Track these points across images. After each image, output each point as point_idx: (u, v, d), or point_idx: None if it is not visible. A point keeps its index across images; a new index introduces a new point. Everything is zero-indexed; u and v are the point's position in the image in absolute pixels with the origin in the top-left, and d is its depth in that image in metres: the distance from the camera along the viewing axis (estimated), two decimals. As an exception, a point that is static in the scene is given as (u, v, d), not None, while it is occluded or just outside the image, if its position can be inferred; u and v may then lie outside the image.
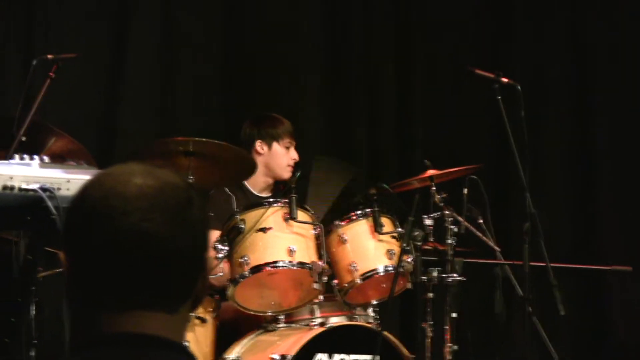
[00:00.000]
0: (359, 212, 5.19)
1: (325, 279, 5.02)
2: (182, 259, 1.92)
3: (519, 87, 5.33)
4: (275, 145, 5.38)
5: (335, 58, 6.70)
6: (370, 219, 5.15)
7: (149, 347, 1.89)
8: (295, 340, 4.72)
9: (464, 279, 5.30)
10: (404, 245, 5.11)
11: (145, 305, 1.91)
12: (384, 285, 5.17)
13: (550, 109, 6.87)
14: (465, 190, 5.33)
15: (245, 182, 5.36)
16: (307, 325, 4.89)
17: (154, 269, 1.90)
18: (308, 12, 6.62)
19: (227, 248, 4.77)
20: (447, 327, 5.20)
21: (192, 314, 4.67)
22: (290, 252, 4.79)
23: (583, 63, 6.95)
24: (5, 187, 3.61)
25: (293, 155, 5.38)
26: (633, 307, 6.80)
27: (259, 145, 5.35)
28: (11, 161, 3.74)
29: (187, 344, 4.62)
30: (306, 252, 4.85)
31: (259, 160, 5.33)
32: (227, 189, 5.29)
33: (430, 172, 5.21)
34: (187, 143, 4.75)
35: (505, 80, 5.35)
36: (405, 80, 6.77)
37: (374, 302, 5.22)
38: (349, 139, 6.70)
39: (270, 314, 4.89)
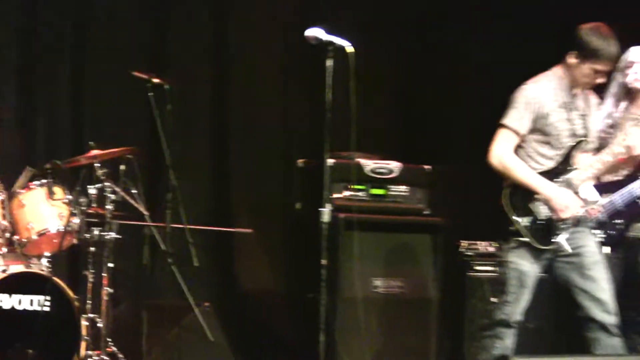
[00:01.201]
0: (36, 182, 5.92)
1: (7, 235, 5.81)
2: None
3: (167, 87, 6.07)
4: None
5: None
6: (45, 187, 5.89)
7: None
8: (-20, 283, 5.47)
9: (119, 237, 5.95)
10: (72, 209, 5.87)
11: None
12: (55, 241, 5.90)
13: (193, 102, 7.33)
14: (122, 167, 5.97)
15: None
16: (-9, 271, 5.60)
17: None
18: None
19: None
20: (105, 275, 5.87)
21: None
22: (-21, 213, 5.53)
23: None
24: None
25: None
26: (254, 264, 7.40)
27: None
28: None
29: None
30: (-8, 213, 5.59)
31: None
32: None
33: (94, 152, 5.88)
34: None
35: (156, 80, 6.06)
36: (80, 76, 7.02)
37: (47, 254, 5.92)
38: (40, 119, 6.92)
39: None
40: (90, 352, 5.86)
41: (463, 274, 6.95)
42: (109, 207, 5.91)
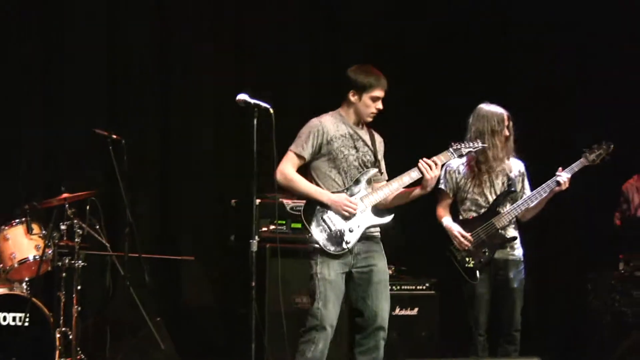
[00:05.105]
0: (17, 220, 6.08)
1: (-7, 264, 5.94)
2: None
3: (123, 142, 6.11)
4: None
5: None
6: (25, 224, 6.07)
7: None
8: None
9: (86, 264, 6.11)
10: (47, 242, 6.00)
11: None
12: (33, 268, 6.05)
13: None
14: (87, 207, 6.10)
15: None
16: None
17: None
18: None
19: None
20: (75, 295, 6.01)
21: None
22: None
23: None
24: None
25: None
26: (196, 285, 7.47)
27: None
28: None
29: None
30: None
31: None
32: None
33: (65, 194, 6.03)
34: None
35: (115, 137, 6.10)
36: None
37: (27, 279, 6.09)
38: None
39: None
40: (63, 360, 5.97)
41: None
42: (77, 239, 6.06)
